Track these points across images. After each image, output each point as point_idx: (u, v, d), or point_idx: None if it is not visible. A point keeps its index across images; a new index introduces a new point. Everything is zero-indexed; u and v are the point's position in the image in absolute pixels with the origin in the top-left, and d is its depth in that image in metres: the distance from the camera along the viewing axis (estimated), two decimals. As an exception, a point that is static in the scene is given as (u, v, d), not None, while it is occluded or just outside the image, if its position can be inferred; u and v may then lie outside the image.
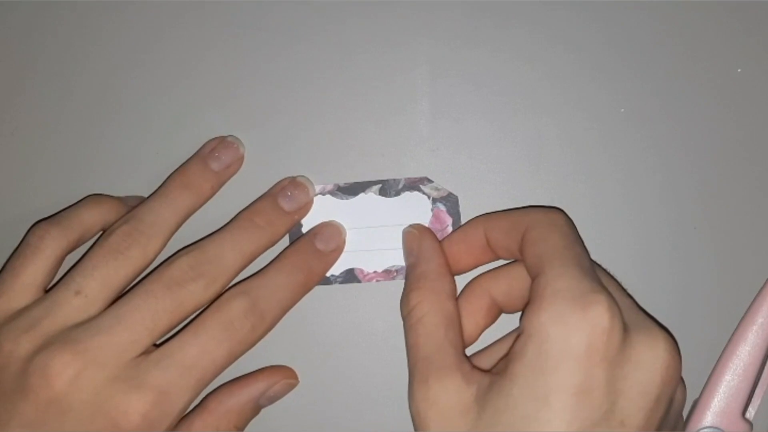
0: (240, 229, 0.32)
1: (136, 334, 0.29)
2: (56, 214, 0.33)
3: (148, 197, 0.33)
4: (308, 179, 0.34)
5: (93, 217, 0.32)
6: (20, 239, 0.32)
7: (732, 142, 0.35)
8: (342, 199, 0.34)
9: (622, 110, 0.35)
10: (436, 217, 0.34)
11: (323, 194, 0.34)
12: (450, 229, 0.34)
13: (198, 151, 0.34)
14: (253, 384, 0.32)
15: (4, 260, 0.32)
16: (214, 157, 0.33)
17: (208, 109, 0.35)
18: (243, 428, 0.32)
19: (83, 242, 0.32)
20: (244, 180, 0.35)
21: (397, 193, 0.34)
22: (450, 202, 0.34)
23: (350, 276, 0.34)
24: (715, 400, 0.33)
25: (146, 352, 0.29)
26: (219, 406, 0.32)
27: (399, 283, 0.34)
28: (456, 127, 0.35)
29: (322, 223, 0.34)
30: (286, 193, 0.33)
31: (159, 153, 0.35)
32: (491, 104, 0.35)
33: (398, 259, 0.34)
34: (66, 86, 0.36)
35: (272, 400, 0.33)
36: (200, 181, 0.33)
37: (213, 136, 0.35)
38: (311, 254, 0.33)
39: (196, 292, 0.30)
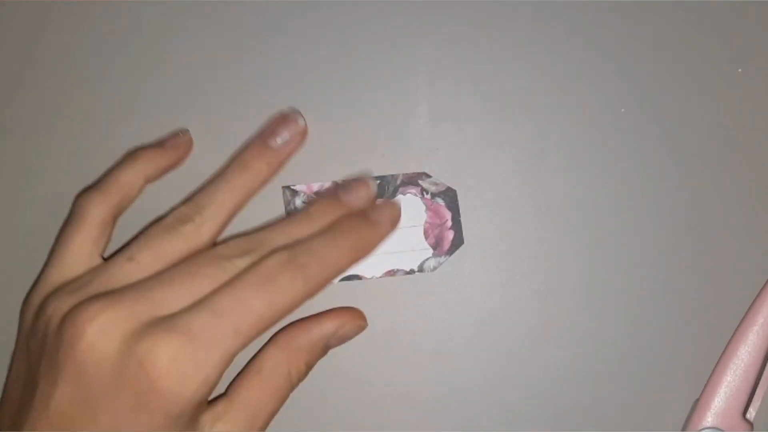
0: (293, 221, 0.31)
1: (174, 292, 0.28)
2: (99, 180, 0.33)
3: (209, 179, 0.33)
4: (371, 178, 0.34)
5: (131, 176, 0.32)
6: (20, 239, 0.32)
7: (732, 142, 0.35)
8: None
9: (623, 110, 0.35)
10: (434, 211, 0.34)
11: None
12: (449, 223, 0.34)
13: (259, 130, 0.34)
14: (324, 323, 0.32)
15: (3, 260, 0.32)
16: (272, 134, 0.33)
17: (209, 108, 0.35)
18: (312, 367, 0.32)
19: (129, 202, 0.32)
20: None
21: (396, 189, 0.34)
22: (449, 196, 0.34)
23: (350, 275, 0.34)
24: (716, 400, 0.33)
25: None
26: (290, 343, 0.31)
27: (399, 282, 0.34)
28: (456, 127, 0.35)
29: (381, 202, 0.33)
30: (348, 188, 0.33)
31: (158, 152, 0.35)
32: (491, 104, 0.35)
33: (399, 262, 0.34)
34: (66, 85, 0.36)
35: (342, 340, 0.32)
36: (257, 161, 0.33)
37: (213, 136, 0.35)
38: (362, 222, 0.32)
39: (240, 267, 0.29)
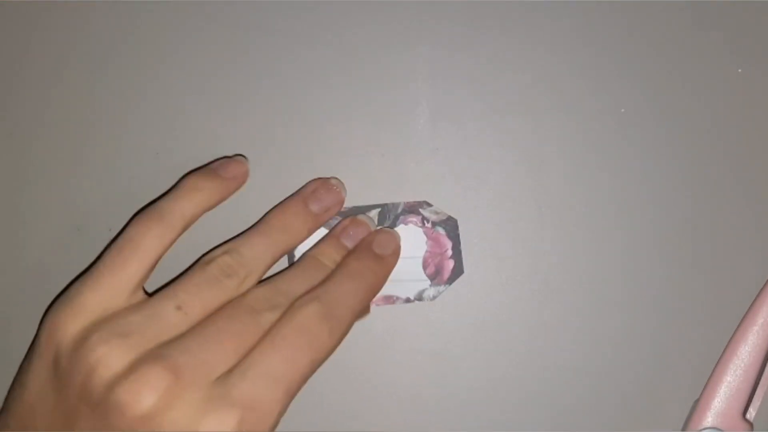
0: (308, 268, 0.33)
1: (224, 353, 0.29)
2: (156, 200, 0.32)
3: (249, 231, 0.33)
4: (368, 217, 0.34)
5: (195, 209, 0.32)
6: (20, 242, 0.32)
7: (732, 142, 0.35)
8: None
9: (623, 110, 0.35)
10: (435, 240, 0.34)
11: None
12: (450, 252, 0.34)
13: (300, 190, 0.34)
14: None
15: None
16: (315, 199, 0.34)
17: (208, 110, 0.35)
18: None
19: (182, 233, 0.32)
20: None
21: (396, 217, 0.34)
22: (449, 225, 0.34)
23: None
24: (716, 400, 0.33)
25: (230, 370, 0.29)
26: None
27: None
28: (456, 127, 0.35)
29: (376, 231, 0.34)
30: (348, 233, 0.34)
31: (159, 153, 0.35)
32: (491, 104, 0.35)
33: (398, 291, 0.34)
34: (67, 87, 0.36)
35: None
36: (298, 223, 0.33)
37: (212, 138, 0.35)
38: (371, 259, 0.33)
39: (272, 320, 0.30)
